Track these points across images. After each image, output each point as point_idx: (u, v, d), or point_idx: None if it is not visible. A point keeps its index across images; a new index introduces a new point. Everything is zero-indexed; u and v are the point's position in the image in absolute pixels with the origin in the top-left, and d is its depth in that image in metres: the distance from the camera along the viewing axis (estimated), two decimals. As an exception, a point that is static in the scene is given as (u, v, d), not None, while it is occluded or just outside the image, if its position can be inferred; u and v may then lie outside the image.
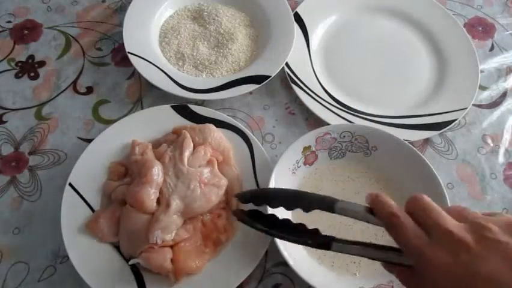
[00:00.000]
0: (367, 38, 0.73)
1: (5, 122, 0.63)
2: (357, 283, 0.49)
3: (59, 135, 0.62)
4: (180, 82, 0.63)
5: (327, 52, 0.71)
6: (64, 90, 0.66)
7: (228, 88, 0.63)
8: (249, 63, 0.67)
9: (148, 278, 0.49)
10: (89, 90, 0.66)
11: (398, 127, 0.62)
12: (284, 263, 0.47)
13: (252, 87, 0.62)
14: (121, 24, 0.69)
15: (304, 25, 0.71)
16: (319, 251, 0.51)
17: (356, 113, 0.63)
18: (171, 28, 0.70)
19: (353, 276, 0.50)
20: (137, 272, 0.50)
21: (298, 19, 0.71)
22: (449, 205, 0.50)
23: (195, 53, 0.67)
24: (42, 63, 0.68)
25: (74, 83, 0.66)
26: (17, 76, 0.67)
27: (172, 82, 0.63)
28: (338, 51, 0.71)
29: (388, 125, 0.62)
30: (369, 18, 0.75)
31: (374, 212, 0.35)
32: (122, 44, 0.65)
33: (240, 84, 0.63)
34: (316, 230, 0.39)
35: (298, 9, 0.72)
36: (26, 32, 0.71)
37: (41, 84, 0.66)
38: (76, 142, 0.61)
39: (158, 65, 0.64)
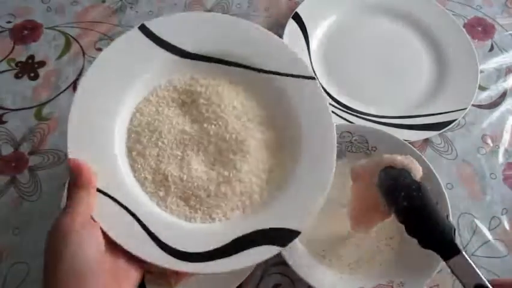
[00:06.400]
0: (367, 38, 0.73)
1: (5, 122, 0.63)
2: (357, 283, 0.49)
3: (59, 135, 0.62)
4: (159, 236, 0.36)
5: (327, 52, 0.71)
6: (64, 90, 0.66)
7: (233, 252, 0.37)
8: (266, 198, 0.41)
9: (148, 277, 0.49)
10: (89, 90, 0.66)
11: (398, 127, 0.62)
12: (284, 263, 0.47)
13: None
14: (121, 24, 0.69)
15: (304, 25, 0.71)
16: (318, 251, 0.51)
17: (356, 113, 0.63)
18: (147, 125, 0.42)
19: (352, 276, 0.50)
20: (137, 272, 0.49)
21: (298, 19, 0.71)
22: (449, 205, 0.51)
23: (185, 176, 0.40)
24: (42, 64, 0.68)
25: (74, 83, 0.66)
26: (16, 76, 0.67)
27: (146, 236, 0.36)
28: (338, 51, 0.71)
29: (388, 125, 0.62)
30: (369, 18, 0.75)
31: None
32: (122, 44, 0.65)
33: (253, 246, 0.37)
34: None
35: (298, 9, 0.72)
36: (26, 32, 0.71)
37: (41, 84, 0.66)
38: (76, 142, 0.61)
39: (122, 202, 0.37)
